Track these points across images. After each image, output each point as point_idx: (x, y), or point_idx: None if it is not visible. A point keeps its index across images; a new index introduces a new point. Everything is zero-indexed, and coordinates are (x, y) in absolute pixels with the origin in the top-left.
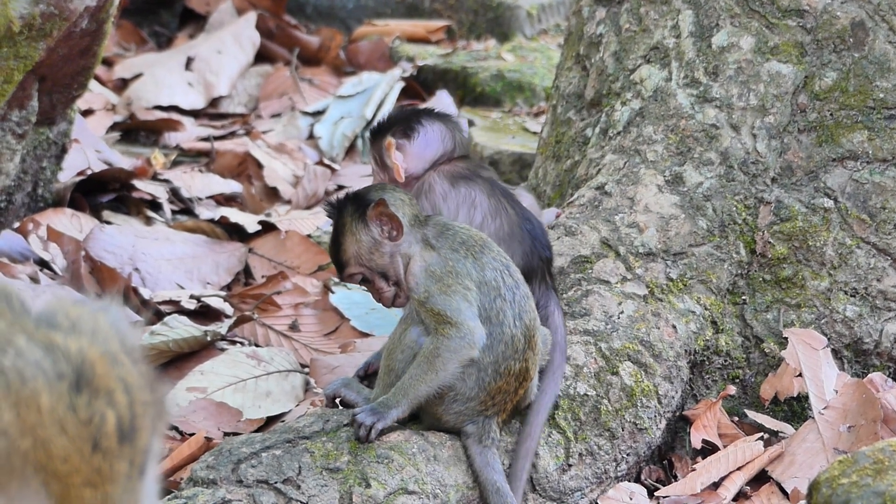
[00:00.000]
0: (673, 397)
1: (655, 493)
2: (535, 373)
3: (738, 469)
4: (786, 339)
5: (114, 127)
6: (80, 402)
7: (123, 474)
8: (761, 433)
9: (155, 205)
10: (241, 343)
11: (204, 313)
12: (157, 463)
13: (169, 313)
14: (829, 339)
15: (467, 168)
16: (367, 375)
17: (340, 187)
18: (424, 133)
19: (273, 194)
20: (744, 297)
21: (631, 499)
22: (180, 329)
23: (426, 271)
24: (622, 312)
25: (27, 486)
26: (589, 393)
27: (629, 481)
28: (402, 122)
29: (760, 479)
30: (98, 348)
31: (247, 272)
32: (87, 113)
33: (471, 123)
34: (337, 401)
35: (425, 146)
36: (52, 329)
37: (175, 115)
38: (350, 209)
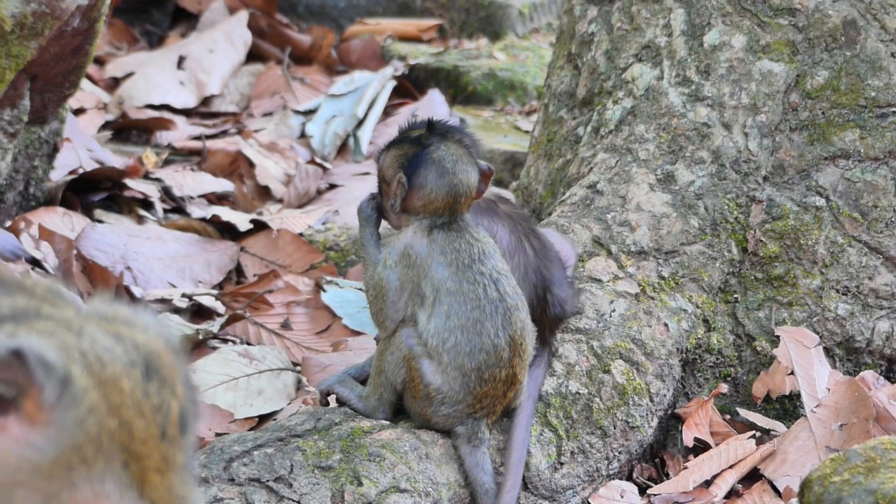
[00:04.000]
0: (665, 395)
1: (647, 491)
2: (524, 376)
3: (730, 467)
4: (778, 337)
5: (105, 126)
6: (151, 389)
7: (182, 465)
8: (753, 431)
9: (147, 203)
10: (233, 341)
11: (196, 312)
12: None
13: (161, 312)
14: (820, 337)
15: (489, 201)
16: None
17: (332, 186)
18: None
19: (265, 193)
20: (736, 296)
21: (622, 497)
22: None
23: (405, 248)
24: (614, 311)
25: (111, 467)
26: (581, 391)
27: (621, 479)
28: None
29: (752, 477)
30: (158, 341)
31: (238, 271)
32: (78, 112)
33: (462, 122)
34: (331, 398)
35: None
36: (111, 321)
37: (167, 114)
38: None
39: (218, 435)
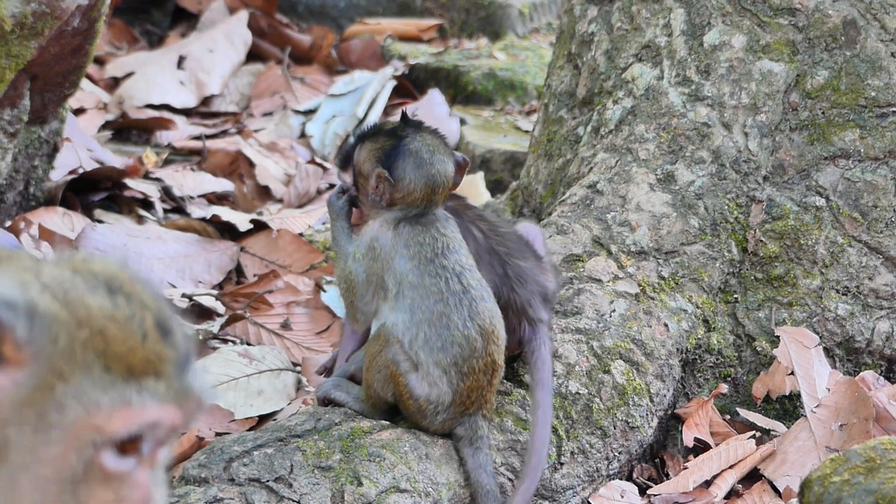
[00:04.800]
0: (665, 396)
1: (647, 492)
2: (502, 361)
3: (730, 467)
4: (778, 337)
5: (105, 126)
6: (119, 303)
7: (174, 366)
8: (753, 431)
9: (147, 203)
10: (233, 342)
11: (196, 312)
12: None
13: None
14: (820, 337)
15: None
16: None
17: (332, 186)
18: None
19: (265, 193)
20: (735, 296)
21: (622, 497)
22: None
23: (370, 241)
24: (614, 311)
25: (89, 374)
26: (581, 391)
27: (621, 479)
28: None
29: (752, 477)
30: (115, 266)
31: (238, 271)
32: (78, 112)
33: (462, 122)
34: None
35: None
36: (67, 261)
37: (167, 114)
38: (382, 141)
39: (218, 435)
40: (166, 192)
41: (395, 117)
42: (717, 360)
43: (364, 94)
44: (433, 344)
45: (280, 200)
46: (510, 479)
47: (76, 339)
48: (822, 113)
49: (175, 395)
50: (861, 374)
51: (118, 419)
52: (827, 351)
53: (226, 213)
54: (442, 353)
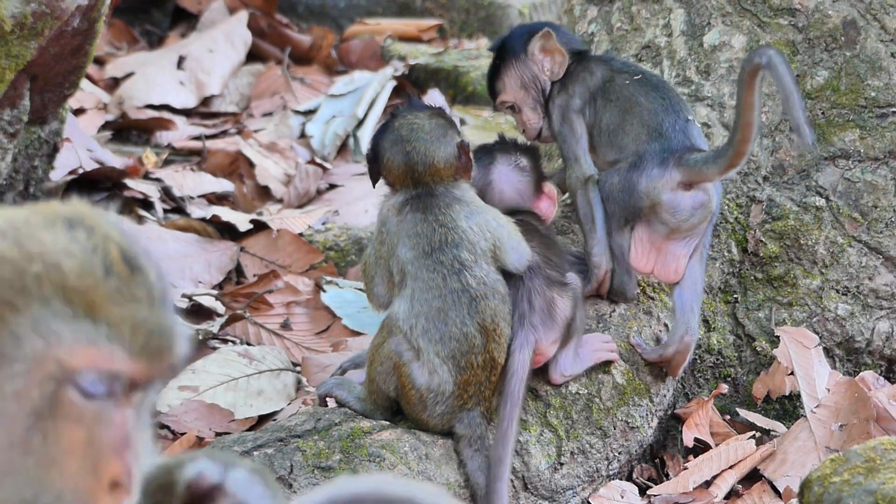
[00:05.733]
0: (665, 396)
1: (647, 492)
2: (503, 359)
3: (730, 467)
4: (777, 337)
5: (105, 126)
6: (79, 236)
7: (145, 298)
8: (753, 431)
9: (147, 204)
10: (233, 342)
11: (196, 312)
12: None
13: None
14: (820, 337)
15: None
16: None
17: (332, 186)
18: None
19: (265, 193)
20: (735, 296)
21: (622, 497)
22: None
23: (381, 224)
24: (614, 311)
25: (48, 307)
26: (581, 391)
27: (621, 480)
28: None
29: (752, 477)
30: (79, 206)
31: (238, 271)
32: (78, 112)
33: (462, 122)
34: (329, 400)
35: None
36: (30, 207)
37: (167, 114)
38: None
39: (218, 435)
40: (166, 193)
41: None
42: (717, 360)
43: (364, 94)
44: (432, 335)
45: (280, 200)
46: (510, 480)
47: (25, 272)
48: (822, 113)
49: (144, 342)
50: (861, 374)
51: (81, 356)
52: (827, 351)
53: (226, 214)
54: (440, 344)
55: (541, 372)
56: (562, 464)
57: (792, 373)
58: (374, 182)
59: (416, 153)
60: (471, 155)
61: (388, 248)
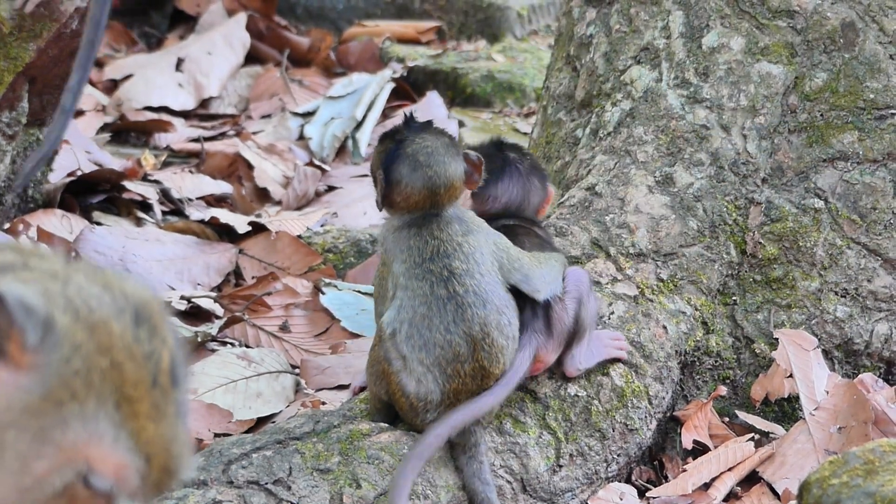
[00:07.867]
0: (663, 398)
1: (646, 494)
2: (497, 370)
3: (729, 470)
4: (776, 339)
5: (104, 128)
6: (142, 335)
7: (175, 418)
8: (752, 434)
9: (145, 206)
10: (232, 344)
11: (194, 314)
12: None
13: None
14: (819, 339)
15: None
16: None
17: (331, 188)
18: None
19: (263, 195)
20: (734, 298)
21: (621, 499)
22: None
23: (380, 245)
24: (613, 313)
25: (103, 406)
26: (579, 394)
27: (620, 482)
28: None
29: (751, 479)
30: (147, 292)
31: (237, 273)
32: (77, 114)
33: (461, 124)
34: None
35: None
36: (98, 274)
37: (165, 116)
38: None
39: (217, 437)
40: (165, 195)
41: (394, 120)
42: (716, 362)
43: (363, 96)
44: (415, 341)
45: (279, 202)
46: (509, 482)
47: (95, 365)
48: (821, 115)
49: (163, 464)
50: (860, 376)
51: (110, 464)
52: (826, 353)
53: (224, 216)
54: (424, 351)
55: (555, 366)
56: (560, 466)
57: (791, 375)
58: (383, 206)
59: (437, 177)
60: (482, 169)
61: (387, 267)
